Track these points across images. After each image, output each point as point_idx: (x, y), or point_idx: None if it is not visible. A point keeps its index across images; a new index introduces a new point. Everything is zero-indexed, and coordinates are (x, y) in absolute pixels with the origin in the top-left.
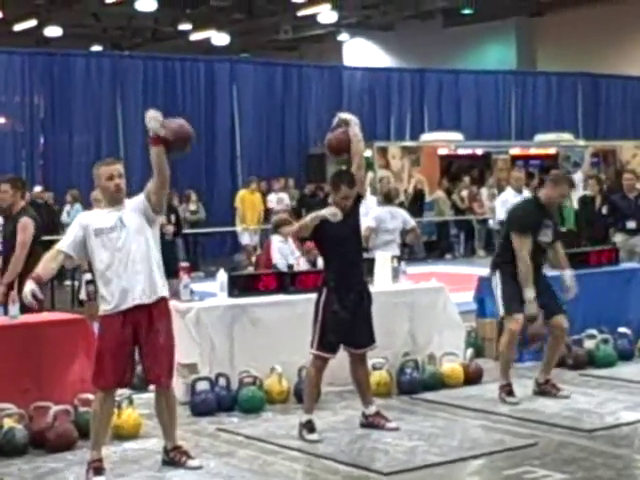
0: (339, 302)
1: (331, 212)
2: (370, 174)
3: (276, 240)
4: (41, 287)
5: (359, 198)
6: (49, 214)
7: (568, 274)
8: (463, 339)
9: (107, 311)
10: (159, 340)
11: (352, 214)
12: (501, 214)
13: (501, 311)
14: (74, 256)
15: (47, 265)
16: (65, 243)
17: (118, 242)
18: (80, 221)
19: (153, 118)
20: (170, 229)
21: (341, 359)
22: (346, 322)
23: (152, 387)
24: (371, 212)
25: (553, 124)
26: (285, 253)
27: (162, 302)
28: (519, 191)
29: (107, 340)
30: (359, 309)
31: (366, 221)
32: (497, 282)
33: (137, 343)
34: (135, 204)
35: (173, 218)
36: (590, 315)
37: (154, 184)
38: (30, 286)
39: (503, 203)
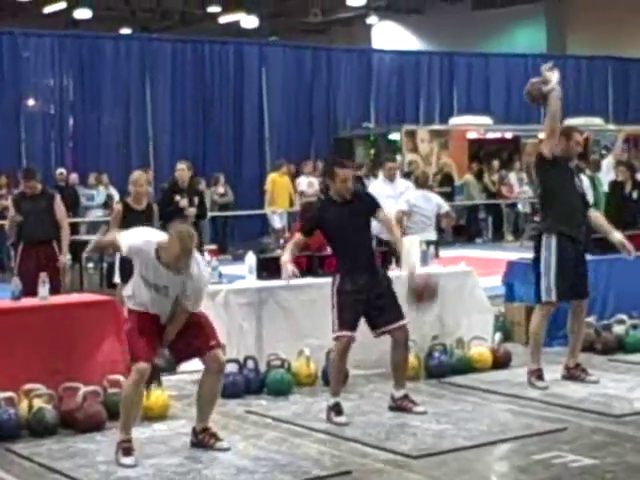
0: (352, 283)
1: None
2: (398, 157)
3: None
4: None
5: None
6: (71, 196)
7: (617, 236)
8: (491, 323)
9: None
10: (198, 314)
11: (355, 198)
12: None
13: (553, 295)
14: (124, 251)
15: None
16: (127, 242)
17: (160, 302)
18: (140, 250)
19: None
20: (192, 211)
21: (368, 342)
22: (363, 301)
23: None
24: (404, 195)
25: (583, 108)
26: None
27: None
28: None
29: (138, 320)
30: (377, 288)
31: (398, 204)
32: (553, 256)
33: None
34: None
35: (196, 200)
36: (620, 300)
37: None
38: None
39: None
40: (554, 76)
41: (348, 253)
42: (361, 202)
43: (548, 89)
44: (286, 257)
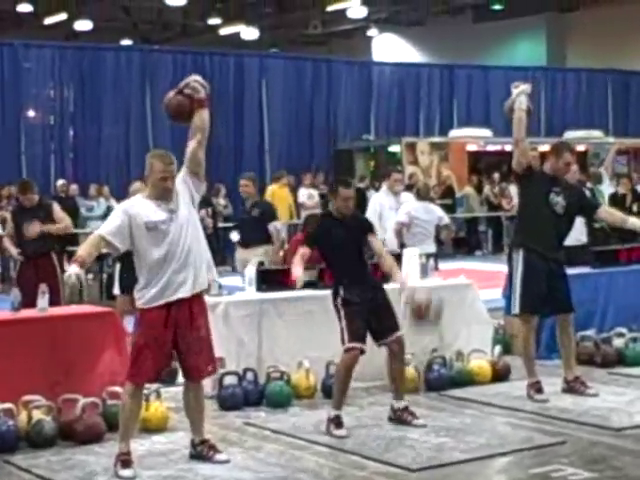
0: (358, 295)
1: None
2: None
3: None
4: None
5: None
6: (70, 207)
7: (632, 221)
8: (491, 336)
9: (150, 303)
10: (201, 334)
11: (353, 219)
12: None
13: (517, 308)
14: (117, 244)
15: (90, 250)
16: (108, 230)
17: (171, 236)
18: (126, 209)
19: (199, 82)
20: (210, 222)
21: (368, 355)
22: (367, 312)
23: (181, 380)
24: (403, 207)
25: (583, 121)
26: None
27: (201, 295)
28: None
29: (148, 336)
30: (375, 300)
31: (397, 215)
32: (520, 269)
33: (177, 340)
34: (180, 185)
35: (210, 211)
36: (619, 313)
37: (198, 143)
38: (75, 269)
39: None
40: (518, 89)
41: (343, 268)
42: (357, 222)
43: (511, 99)
44: (299, 270)
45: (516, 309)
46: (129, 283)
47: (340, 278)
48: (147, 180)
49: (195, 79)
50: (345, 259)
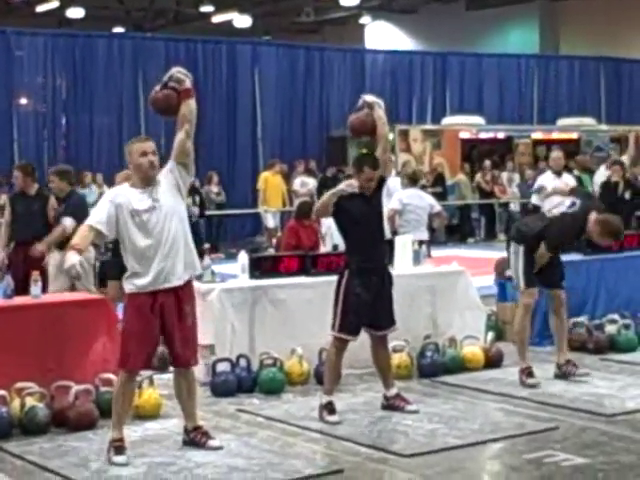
0: (361, 284)
1: (347, 184)
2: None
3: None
4: None
5: (382, 181)
6: None
7: None
8: (484, 322)
9: (137, 290)
10: (188, 323)
11: (375, 196)
12: (536, 200)
13: (521, 284)
14: (106, 234)
15: (84, 240)
16: (97, 219)
17: (154, 224)
18: (112, 198)
19: (182, 72)
20: (195, 210)
21: (362, 341)
22: (367, 304)
23: (171, 368)
24: (396, 194)
25: (575, 108)
26: None
27: (189, 283)
28: (558, 174)
29: (135, 323)
30: (381, 291)
31: (390, 203)
32: (520, 253)
33: (164, 326)
34: (166, 176)
35: (197, 199)
36: (611, 300)
37: (186, 134)
38: (77, 257)
39: (540, 189)
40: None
41: (356, 247)
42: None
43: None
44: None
45: (521, 284)
46: (117, 270)
47: (350, 261)
48: (132, 168)
49: (178, 70)
50: (362, 236)
